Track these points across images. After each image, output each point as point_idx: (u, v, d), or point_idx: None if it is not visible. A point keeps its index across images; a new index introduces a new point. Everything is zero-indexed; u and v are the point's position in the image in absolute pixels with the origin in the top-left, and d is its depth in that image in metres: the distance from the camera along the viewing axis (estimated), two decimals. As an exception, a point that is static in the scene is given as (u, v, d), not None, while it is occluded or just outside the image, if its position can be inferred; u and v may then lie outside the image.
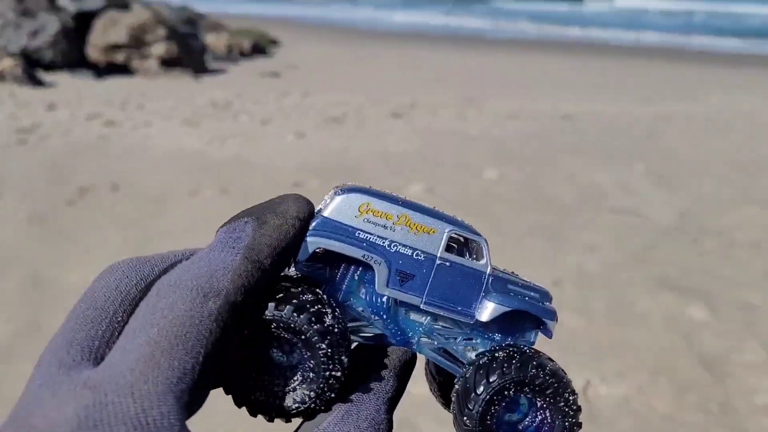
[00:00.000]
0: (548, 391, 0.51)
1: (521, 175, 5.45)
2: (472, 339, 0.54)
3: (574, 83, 9.44)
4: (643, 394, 2.80)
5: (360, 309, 0.52)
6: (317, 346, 0.46)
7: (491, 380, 0.50)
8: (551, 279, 3.60)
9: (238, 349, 0.46)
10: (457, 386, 0.52)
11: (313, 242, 0.49)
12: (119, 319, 0.42)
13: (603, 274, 3.76)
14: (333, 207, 0.50)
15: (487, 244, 0.53)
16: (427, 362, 0.57)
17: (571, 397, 0.51)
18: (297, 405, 0.47)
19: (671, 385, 2.84)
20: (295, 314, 0.45)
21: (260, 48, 12.15)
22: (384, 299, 0.52)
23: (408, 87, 8.68)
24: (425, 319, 0.53)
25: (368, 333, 0.52)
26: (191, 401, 0.38)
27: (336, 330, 0.47)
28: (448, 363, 0.54)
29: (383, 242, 0.50)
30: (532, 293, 0.54)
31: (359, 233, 0.50)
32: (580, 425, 0.52)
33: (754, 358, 3.02)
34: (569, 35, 15.78)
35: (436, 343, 0.53)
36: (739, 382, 2.88)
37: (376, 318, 0.52)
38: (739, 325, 3.27)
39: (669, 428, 2.63)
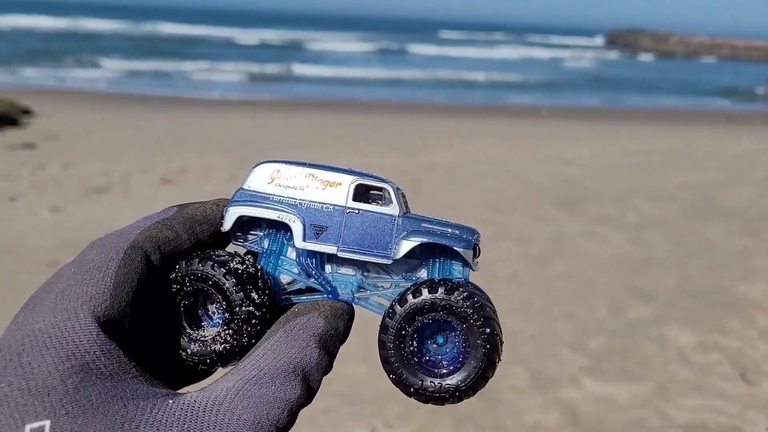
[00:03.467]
0: (459, 313, 0.52)
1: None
2: (403, 286, 0.56)
3: (348, 139, 9.82)
4: (426, 433, 2.88)
5: (294, 270, 0.56)
6: (224, 287, 0.51)
7: (397, 310, 0.53)
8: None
9: (168, 309, 0.52)
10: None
11: (233, 211, 0.55)
12: None
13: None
14: (248, 179, 0.56)
15: (395, 189, 0.56)
16: None
17: (481, 320, 0.52)
18: (223, 346, 0.52)
19: (450, 419, 2.96)
20: (200, 264, 0.52)
21: (9, 119, 11.05)
22: (314, 259, 0.56)
23: (178, 152, 8.42)
24: (356, 273, 0.56)
25: (306, 293, 0.56)
26: (118, 327, 0.44)
27: (240, 270, 0.52)
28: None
29: (295, 201, 0.55)
30: (450, 229, 0.56)
31: (273, 197, 0.55)
32: (495, 348, 0.53)
33: (518, 381, 3.26)
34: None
35: (369, 293, 0.56)
36: (509, 405, 3.08)
37: (308, 277, 0.56)
38: (504, 352, 3.52)
39: (452, 462, 2.72)
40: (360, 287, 0.56)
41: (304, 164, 0.55)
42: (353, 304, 0.56)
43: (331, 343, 0.51)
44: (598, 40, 65.46)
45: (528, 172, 8.05)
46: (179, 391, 0.45)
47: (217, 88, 17.36)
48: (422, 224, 0.56)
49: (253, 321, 0.51)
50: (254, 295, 0.52)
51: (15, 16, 39.13)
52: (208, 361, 0.52)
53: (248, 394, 0.44)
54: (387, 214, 0.55)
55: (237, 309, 0.51)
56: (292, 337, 0.49)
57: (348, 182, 0.55)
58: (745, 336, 3.84)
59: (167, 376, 0.50)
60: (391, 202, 0.56)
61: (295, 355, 0.48)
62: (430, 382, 0.53)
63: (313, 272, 0.55)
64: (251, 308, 0.51)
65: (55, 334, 0.40)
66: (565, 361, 3.48)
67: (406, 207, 0.58)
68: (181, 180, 7.07)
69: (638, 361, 3.54)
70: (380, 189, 0.56)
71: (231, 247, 0.57)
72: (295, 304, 0.55)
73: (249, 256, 0.55)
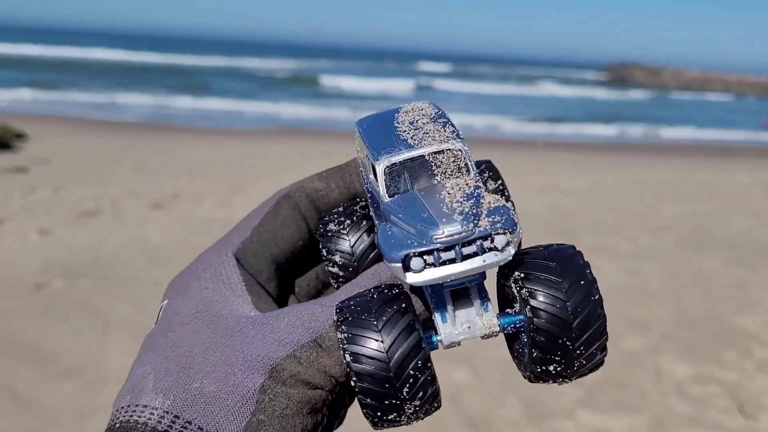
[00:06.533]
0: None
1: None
2: None
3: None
4: (415, 465, 2.78)
5: None
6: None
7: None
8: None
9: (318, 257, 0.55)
10: None
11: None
12: None
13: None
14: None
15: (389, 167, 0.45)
16: None
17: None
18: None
19: (441, 451, 2.87)
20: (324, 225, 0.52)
21: (3, 143, 11.00)
22: None
23: (170, 177, 8.37)
24: None
25: None
26: (255, 257, 0.50)
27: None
28: None
29: None
30: (418, 223, 0.41)
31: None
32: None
33: (512, 413, 3.17)
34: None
35: None
36: (502, 437, 2.99)
37: None
38: (498, 383, 3.44)
39: (442, 496, 2.63)
40: None
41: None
42: None
43: None
44: (593, 74, 66.10)
45: (522, 201, 8.01)
46: None
47: (209, 117, 17.38)
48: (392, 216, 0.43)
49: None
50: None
51: (24, 45, 39.39)
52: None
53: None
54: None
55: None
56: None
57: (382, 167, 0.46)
58: (743, 368, 3.77)
59: None
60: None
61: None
62: None
63: None
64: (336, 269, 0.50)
65: (209, 262, 0.49)
66: (559, 392, 3.40)
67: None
68: (173, 205, 7.00)
69: (634, 392, 3.46)
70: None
71: None
72: None
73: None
